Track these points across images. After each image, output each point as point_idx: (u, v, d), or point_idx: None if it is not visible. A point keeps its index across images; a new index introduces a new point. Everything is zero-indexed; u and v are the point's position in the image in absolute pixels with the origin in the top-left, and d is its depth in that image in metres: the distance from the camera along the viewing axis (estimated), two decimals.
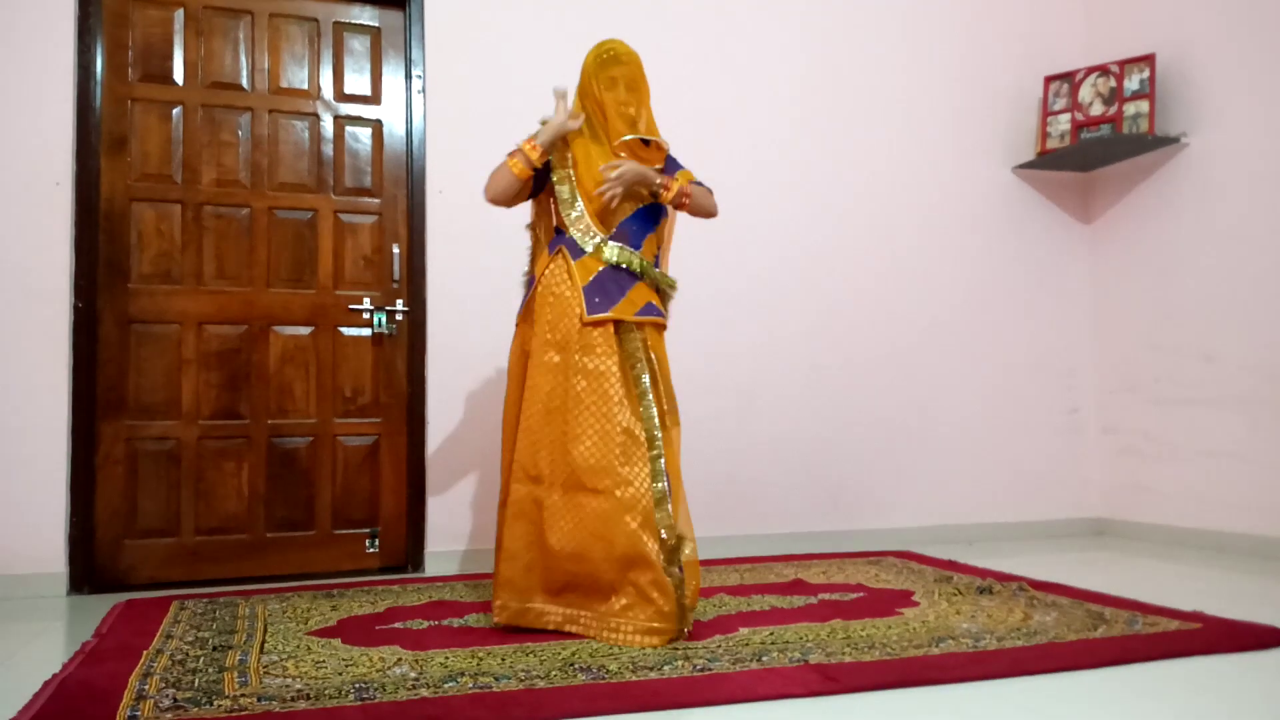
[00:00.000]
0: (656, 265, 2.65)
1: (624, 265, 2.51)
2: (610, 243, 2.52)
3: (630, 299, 2.48)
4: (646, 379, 2.46)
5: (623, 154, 2.58)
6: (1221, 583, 3.10)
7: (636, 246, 2.55)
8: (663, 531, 2.37)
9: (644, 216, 2.60)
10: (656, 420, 2.44)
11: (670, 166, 2.66)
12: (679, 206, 2.61)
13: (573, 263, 2.50)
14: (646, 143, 2.63)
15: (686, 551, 2.42)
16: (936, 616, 2.58)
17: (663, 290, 2.61)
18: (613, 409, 2.40)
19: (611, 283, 2.49)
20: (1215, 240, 3.75)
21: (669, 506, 2.40)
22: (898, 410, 4.03)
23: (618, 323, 2.47)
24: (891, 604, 2.74)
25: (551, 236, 2.62)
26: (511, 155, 2.54)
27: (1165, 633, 2.36)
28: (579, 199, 2.55)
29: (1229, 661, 2.15)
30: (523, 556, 2.45)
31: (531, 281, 2.62)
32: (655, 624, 2.32)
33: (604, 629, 2.36)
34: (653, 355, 2.52)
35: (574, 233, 2.53)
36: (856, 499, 3.96)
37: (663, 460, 2.43)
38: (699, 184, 2.66)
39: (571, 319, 2.46)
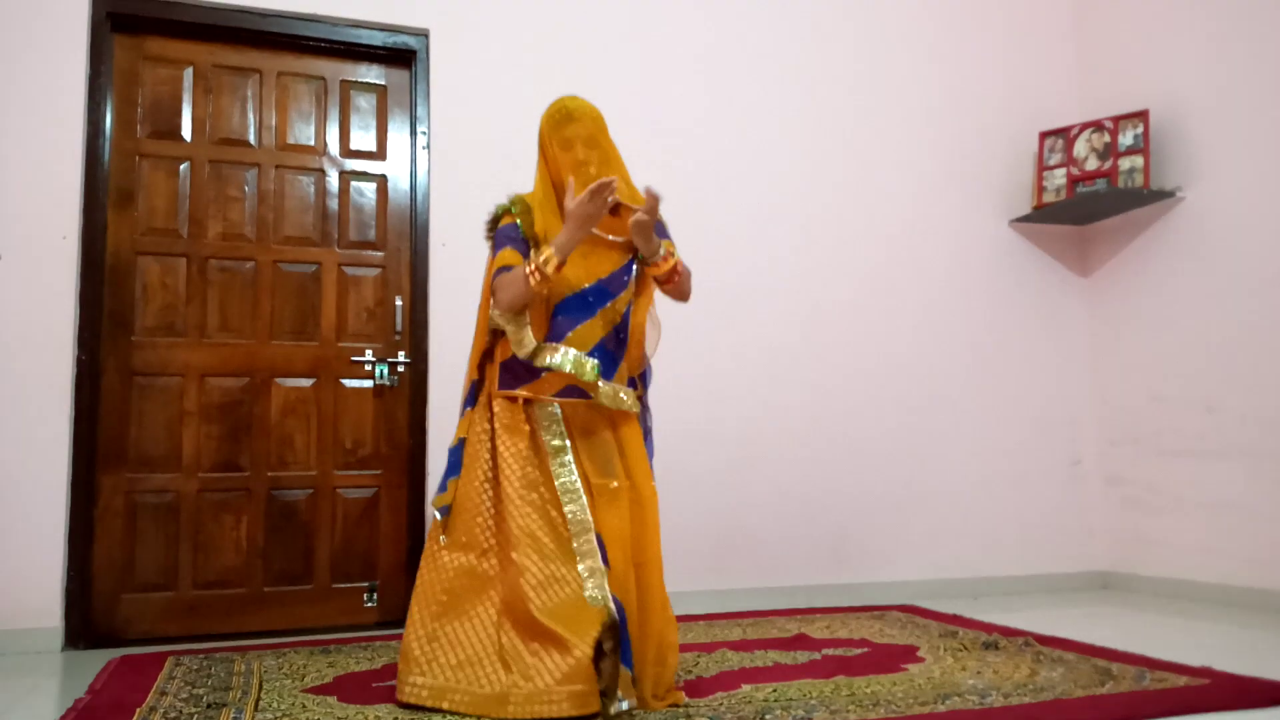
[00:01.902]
0: (621, 331, 2.45)
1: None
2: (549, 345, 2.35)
3: (547, 380, 2.35)
4: (568, 453, 2.33)
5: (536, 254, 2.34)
6: (1229, 637, 3.06)
7: (578, 322, 2.37)
8: (597, 602, 2.17)
9: (596, 293, 2.41)
10: (580, 495, 2.29)
11: (656, 230, 2.44)
12: (667, 281, 2.43)
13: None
14: (613, 208, 2.41)
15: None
16: (942, 672, 2.54)
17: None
18: (515, 478, 2.31)
19: (521, 363, 2.37)
20: (1213, 292, 3.77)
21: (604, 579, 2.21)
22: (899, 463, 4.02)
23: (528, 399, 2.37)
24: (896, 659, 2.71)
25: None
26: (530, 272, 2.25)
27: (1174, 688, 2.32)
28: None
29: (1238, 719, 2.12)
30: (426, 626, 2.27)
31: None
32: (566, 681, 2.07)
33: (505, 704, 2.11)
34: (584, 429, 2.37)
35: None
36: (859, 552, 3.93)
37: (592, 532, 2.26)
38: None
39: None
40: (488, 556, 2.30)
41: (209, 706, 2.24)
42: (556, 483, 2.30)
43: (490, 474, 2.36)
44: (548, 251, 2.24)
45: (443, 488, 2.40)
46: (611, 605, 2.16)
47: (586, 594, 2.19)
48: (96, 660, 2.88)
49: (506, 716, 2.08)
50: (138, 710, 2.20)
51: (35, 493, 3.09)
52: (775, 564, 3.80)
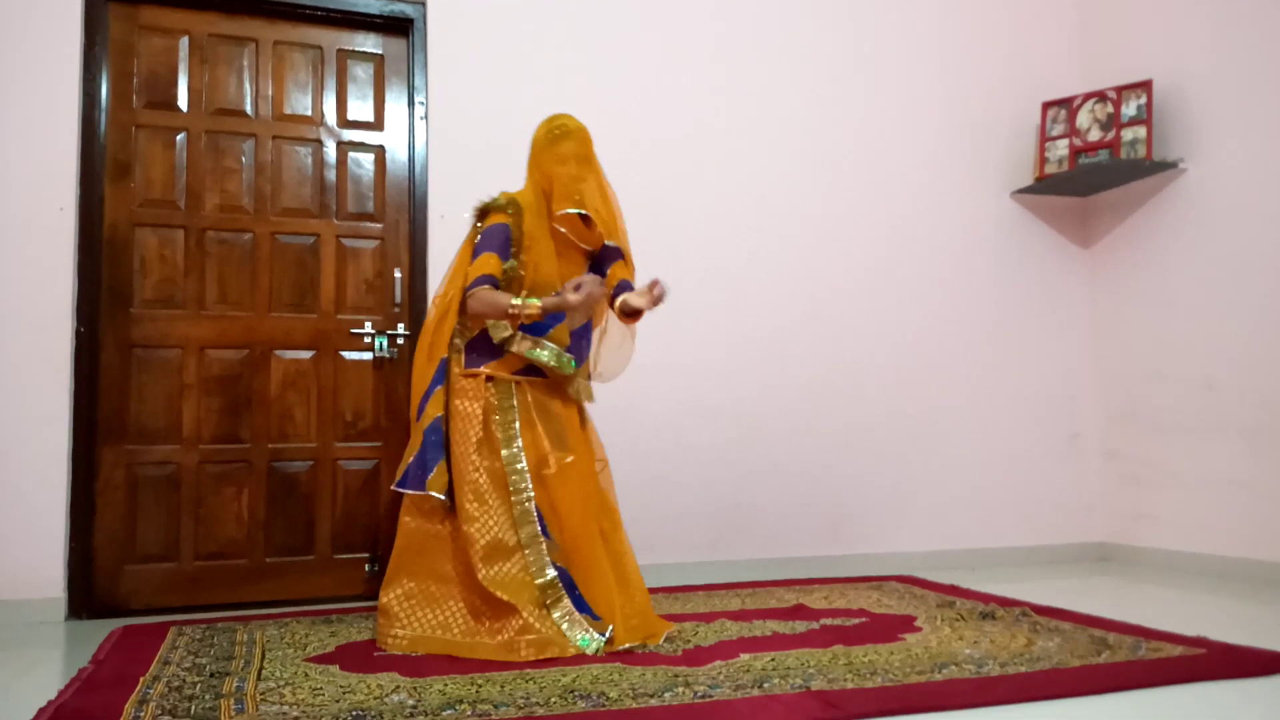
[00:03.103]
0: (588, 330, 2.76)
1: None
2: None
3: (508, 359, 2.64)
4: (516, 425, 2.60)
5: (562, 228, 2.70)
6: (1224, 608, 3.08)
7: (559, 320, 2.64)
8: (534, 570, 2.50)
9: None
10: (525, 470, 2.57)
11: (610, 255, 2.79)
12: (632, 322, 2.79)
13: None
14: (587, 219, 2.70)
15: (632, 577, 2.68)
16: (939, 642, 2.56)
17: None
18: (469, 451, 2.58)
19: (485, 344, 2.65)
20: (1214, 265, 3.76)
21: (541, 547, 2.52)
22: (899, 435, 4.03)
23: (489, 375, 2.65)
24: (894, 629, 2.72)
25: None
26: (512, 309, 2.54)
27: (1169, 658, 2.34)
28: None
29: (1233, 687, 2.14)
30: (403, 584, 2.60)
31: None
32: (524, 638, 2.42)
33: (481, 649, 2.45)
34: (539, 404, 2.65)
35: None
36: (858, 524, 3.94)
37: (531, 502, 2.55)
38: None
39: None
40: (446, 520, 2.61)
41: (212, 676, 2.26)
42: (504, 454, 2.57)
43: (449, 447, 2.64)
44: (534, 306, 2.54)
45: (429, 469, 2.57)
46: (550, 571, 2.50)
47: (528, 561, 2.50)
48: (100, 631, 2.90)
49: (479, 658, 2.40)
50: (141, 680, 2.22)
51: (36, 466, 3.09)
52: (774, 536, 3.82)
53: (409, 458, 2.64)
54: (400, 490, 2.62)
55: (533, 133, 2.76)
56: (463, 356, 2.68)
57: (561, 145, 2.67)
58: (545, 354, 2.61)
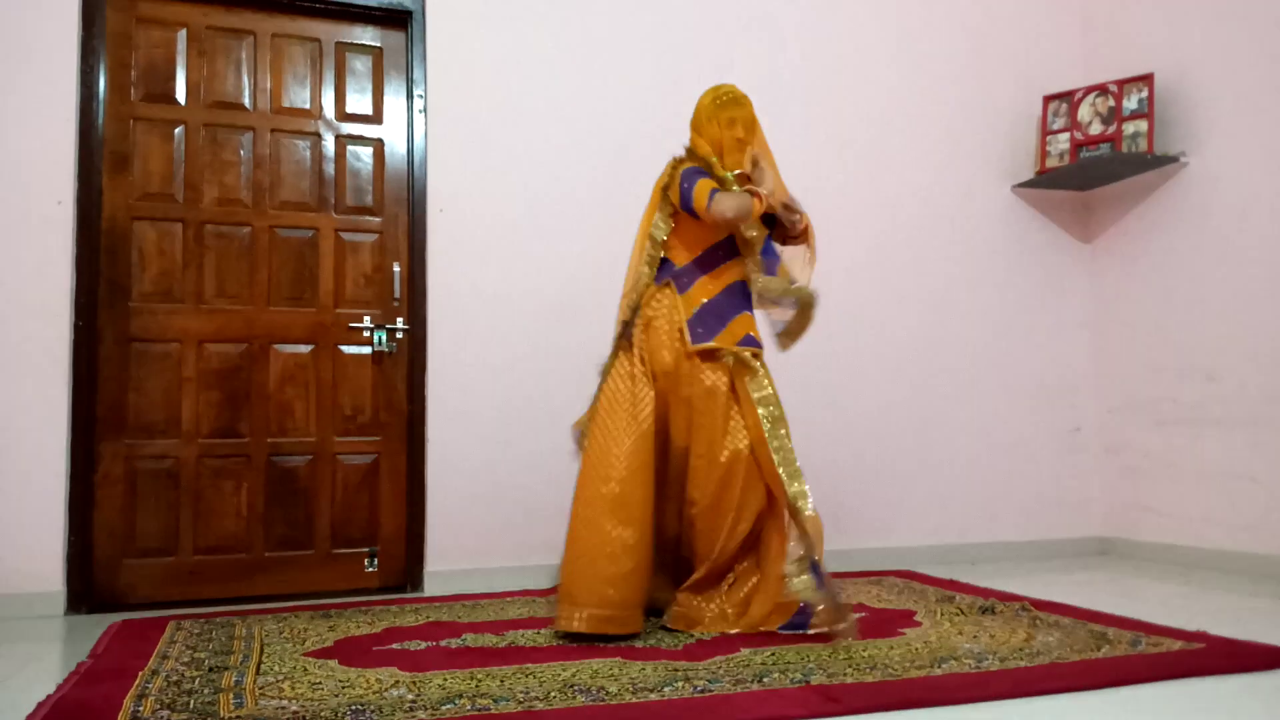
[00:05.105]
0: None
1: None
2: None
3: (730, 330, 2.73)
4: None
5: (736, 186, 2.76)
6: (1224, 603, 3.08)
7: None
8: None
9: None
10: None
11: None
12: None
13: (678, 296, 2.74)
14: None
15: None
16: (939, 636, 2.56)
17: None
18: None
19: (712, 316, 2.73)
20: (1215, 259, 3.75)
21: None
22: (898, 429, 4.02)
23: (718, 350, 2.71)
24: (893, 624, 2.72)
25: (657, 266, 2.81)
26: (756, 196, 2.69)
27: (1169, 653, 2.34)
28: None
29: (1232, 682, 2.13)
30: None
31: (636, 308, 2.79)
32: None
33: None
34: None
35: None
36: (858, 518, 3.94)
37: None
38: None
39: (673, 350, 2.70)
40: None
41: (210, 670, 2.26)
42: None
43: (661, 426, 2.81)
44: (765, 192, 2.70)
45: None
46: None
47: None
48: (98, 625, 2.90)
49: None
50: (140, 674, 2.21)
51: (35, 459, 3.09)
52: None
53: None
54: None
55: (698, 99, 2.89)
56: (687, 334, 2.76)
57: (731, 111, 2.81)
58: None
